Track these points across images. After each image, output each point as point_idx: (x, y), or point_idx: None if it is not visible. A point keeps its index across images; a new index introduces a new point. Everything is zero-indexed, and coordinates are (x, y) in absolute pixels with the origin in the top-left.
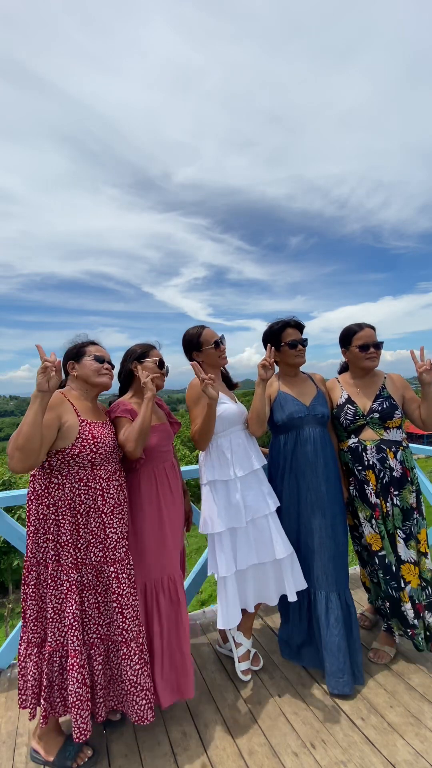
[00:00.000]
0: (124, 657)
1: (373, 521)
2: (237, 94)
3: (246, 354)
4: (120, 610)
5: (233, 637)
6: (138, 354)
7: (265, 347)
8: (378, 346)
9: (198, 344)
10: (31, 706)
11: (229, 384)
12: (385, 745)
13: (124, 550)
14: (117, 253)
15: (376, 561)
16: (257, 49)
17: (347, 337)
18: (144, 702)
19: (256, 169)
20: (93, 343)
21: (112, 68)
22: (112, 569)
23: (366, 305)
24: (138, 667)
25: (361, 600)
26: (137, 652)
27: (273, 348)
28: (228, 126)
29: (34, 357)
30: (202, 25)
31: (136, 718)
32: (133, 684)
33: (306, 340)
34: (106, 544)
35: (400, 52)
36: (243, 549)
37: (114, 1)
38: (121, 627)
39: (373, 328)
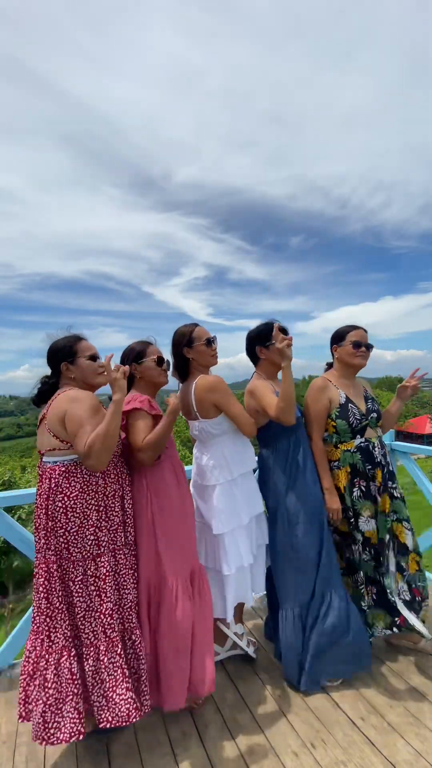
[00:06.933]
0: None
1: (378, 516)
2: (238, 93)
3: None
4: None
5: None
6: (136, 353)
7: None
8: (369, 347)
9: (190, 341)
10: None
11: None
12: (385, 745)
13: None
14: (117, 253)
15: (371, 552)
16: (257, 49)
17: (342, 334)
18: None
19: (257, 169)
20: (80, 338)
21: (112, 68)
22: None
23: (366, 305)
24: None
25: None
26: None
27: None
28: (229, 126)
29: (34, 357)
30: (202, 25)
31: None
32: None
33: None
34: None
35: (400, 52)
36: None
37: (114, 0)
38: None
39: (366, 331)
